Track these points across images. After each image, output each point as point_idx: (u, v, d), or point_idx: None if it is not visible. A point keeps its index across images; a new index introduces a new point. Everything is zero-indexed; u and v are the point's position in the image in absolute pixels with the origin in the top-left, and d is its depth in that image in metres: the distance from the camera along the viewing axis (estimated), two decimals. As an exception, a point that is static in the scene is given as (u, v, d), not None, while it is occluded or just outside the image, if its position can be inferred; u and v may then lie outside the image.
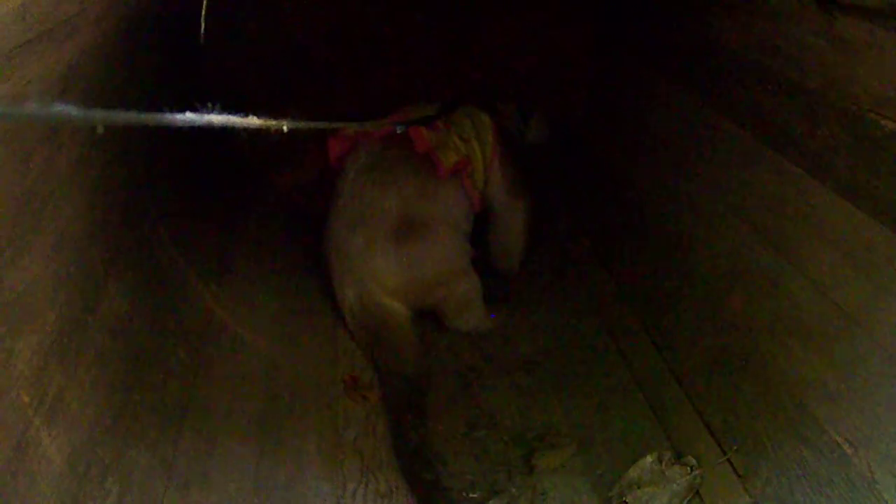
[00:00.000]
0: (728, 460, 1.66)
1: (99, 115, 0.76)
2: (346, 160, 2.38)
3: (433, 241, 2.28)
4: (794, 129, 1.65)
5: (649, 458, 1.75)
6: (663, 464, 1.73)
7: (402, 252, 2.22)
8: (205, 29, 2.82)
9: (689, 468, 1.71)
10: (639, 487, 1.71)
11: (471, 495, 1.79)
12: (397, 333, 2.20)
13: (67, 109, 0.70)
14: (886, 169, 1.35)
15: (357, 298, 2.20)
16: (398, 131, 2.31)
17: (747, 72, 1.85)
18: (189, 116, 0.89)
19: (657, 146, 2.40)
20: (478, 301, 2.37)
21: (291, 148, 2.96)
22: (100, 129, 0.77)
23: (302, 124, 1.34)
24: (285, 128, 1.24)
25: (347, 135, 2.40)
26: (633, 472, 1.74)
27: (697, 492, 1.69)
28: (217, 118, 0.94)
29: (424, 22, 3.00)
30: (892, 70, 1.32)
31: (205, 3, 2.76)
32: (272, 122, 1.14)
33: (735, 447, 1.66)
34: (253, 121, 1.07)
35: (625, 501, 1.70)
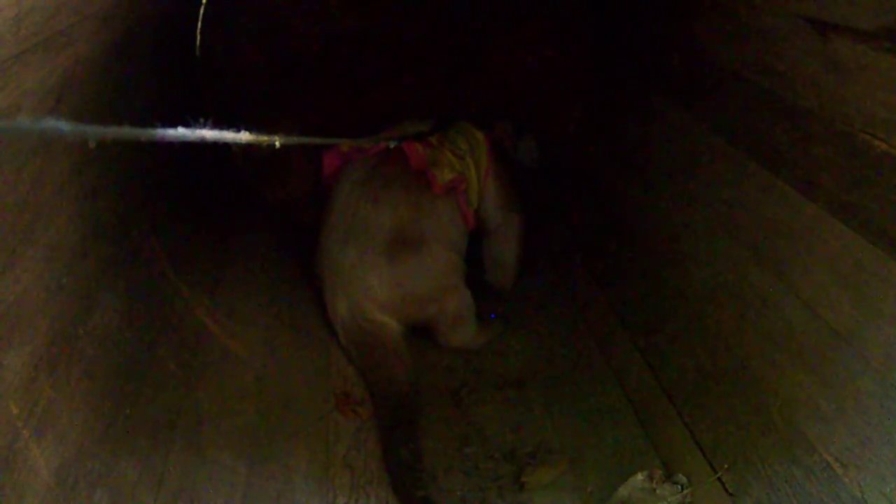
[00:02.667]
0: (719, 479, 1.66)
1: (91, 131, 0.76)
2: (339, 175, 2.38)
3: (426, 257, 2.28)
4: (786, 149, 1.66)
5: (640, 476, 1.74)
6: (654, 482, 1.73)
7: (394, 267, 2.22)
8: (200, 42, 2.82)
9: (679, 486, 1.71)
10: (629, 505, 1.71)
11: (461, 511, 1.79)
12: (389, 349, 2.19)
13: (58, 125, 0.70)
14: (878, 189, 1.36)
15: (349, 313, 2.20)
16: (391, 146, 2.32)
17: (741, 91, 1.85)
18: (181, 131, 0.89)
19: (650, 163, 2.41)
20: (470, 318, 2.37)
21: (284, 161, 2.96)
22: (91, 144, 0.77)
23: (294, 140, 1.34)
24: (277, 143, 1.24)
25: (341, 150, 2.41)
26: (623, 490, 1.73)
27: (688, 510, 1.69)
28: (209, 133, 0.94)
29: (420, 37, 3.00)
30: (884, 91, 1.32)
31: (200, 15, 2.77)
32: (263, 138, 1.14)
33: (726, 465, 1.66)
34: (244, 136, 1.07)
35: (615, 519, 1.70)
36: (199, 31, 2.82)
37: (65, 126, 0.70)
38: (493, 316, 2.45)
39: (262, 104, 2.93)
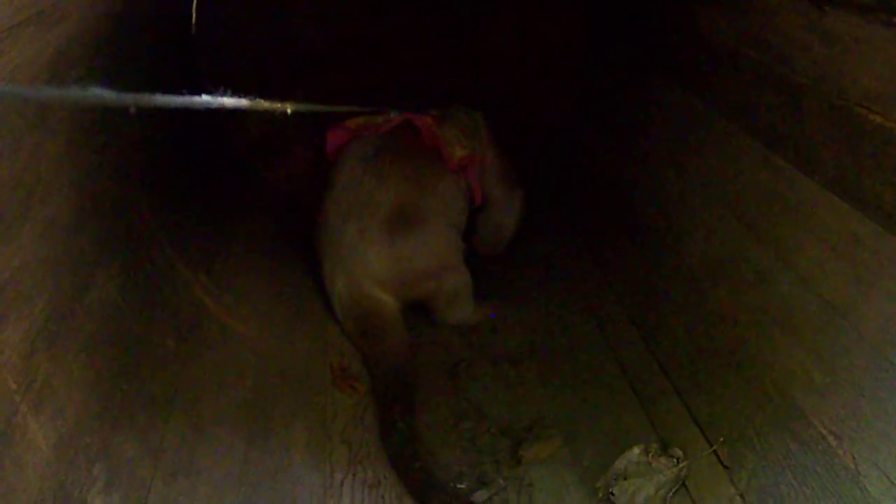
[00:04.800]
0: (714, 452, 1.67)
1: (129, 98, 0.76)
2: (344, 151, 2.38)
3: (427, 234, 2.28)
4: (782, 123, 1.66)
5: (636, 450, 1.75)
6: (650, 455, 1.74)
7: (394, 244, 2.21)
8: (196, 19, 2.81)
9: (675, 460, 1.72)
10: (625, 479, 1.71)
11: (458, 486, 1.79)
12: (386, 325, 2.20)
13: (101, 92, 0.70)
14: (873, 163, 1.36)
15: (347, 289, 2.20)
16: (392, 117, 2.32)
17: (736, 66, 1.85)
18: (191, 99, 0.89)
19: (646, 140, 2.41)
20: (468, 296, 2.37)
21: (281, 140, 2.96)
22: (132, 111, 0.77)
23: (303, 107, 1.34)
24: (289, 109, 1.24)
25: (348, 126, 2.41)
26: (619, 464, 1.74)
27: (683, 483, 1.69)
28: (215, 100, 0.94)
29: (415, 18, 3.00)
30: (880, 65, 1.32)
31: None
32: (277, 105, 1.14)
33: (721, 439, 1.67)
34: (261, 104, 1.07)
35: (611, 493, 1.70)
36: (194, 6, 2.81)
37: (107, 94, 0.71)
38: (492, 315, 2.44)
39: (258, 81, 2.93)
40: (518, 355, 2.24)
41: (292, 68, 2.97)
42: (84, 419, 1.38)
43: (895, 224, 1.31)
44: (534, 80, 3.14)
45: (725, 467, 1.63)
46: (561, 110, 3.14)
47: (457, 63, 3.07)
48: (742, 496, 1.56)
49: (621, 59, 2.75)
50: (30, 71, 1.25)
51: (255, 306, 2.21)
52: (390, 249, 2.21)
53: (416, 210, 2.27)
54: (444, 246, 2.33)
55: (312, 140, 2.76)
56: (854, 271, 1.41)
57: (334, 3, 2.93)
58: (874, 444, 1.29)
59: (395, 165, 2.29)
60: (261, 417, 1.84)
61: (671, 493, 1.68)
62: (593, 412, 1.99)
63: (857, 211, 1.41)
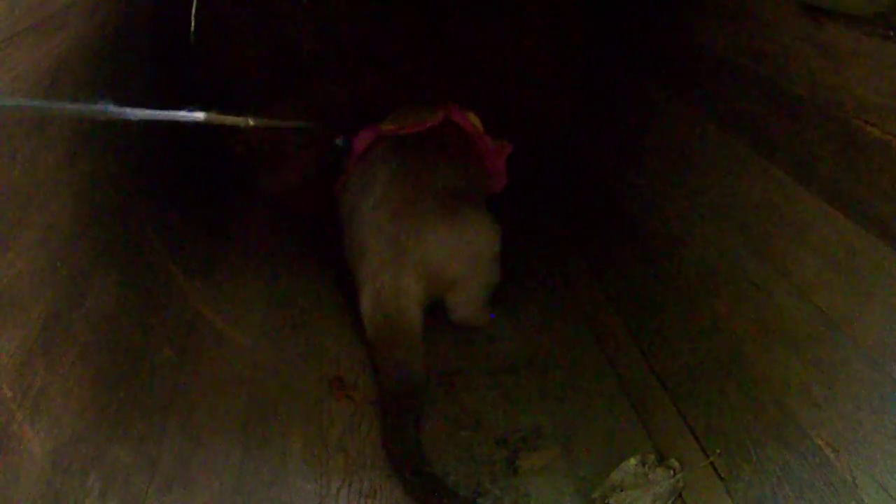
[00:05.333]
0: (711, 463, 1.67)
1: (138, 113, 0.77)
2: (376, 153, 2.38)
3: (481, 222, 2.32)
4: (779, 135, 1.67)
5: (633, 461, 1.75)
6: (646, 466, 1.74)
7: (455, 233, 2.25)
8: (195, 26, 2.82)
9: (672, 471, 1.72)
10: (622, 490, 1.71)
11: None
12: (410, 327, 2.17)
13: (105, 107, 0.70)
14: (870, 175, 1.36)
15: (381, 284, 2.18)
16: (428, 117, 2.43)
17: (734, 77, 1.86)
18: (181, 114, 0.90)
19: (645, 150, 2.41)
20: (489, 294, 2.40)
21: (279, 149, 2.96)
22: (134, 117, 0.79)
23: (263, 123, 1.35)
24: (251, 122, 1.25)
25: (379, 129, 2.43)
26: (616, 475, 1.74)
27: (680, 494, 1.69)
28: (206, 116, 0.95)
29: (413, 26, 3.01)
30: (877, 77, 1.33)
31: (195, 1, 2.77)
32: (292, 123, 1.16)
33: (718, 450, 1.67)
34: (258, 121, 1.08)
35: (608, 503, 1.70)
36: (193, 16, 2.82)
37: (112, 108, 0.72)
38: (492, 316, 2.45)
39: (256, 90, 2.94)
40: (515, 365, 2.24)
41: (290, 77, 2.97)
42: (80, 428, 1.37)
43: (893, 236, 1.31)
44: (532, 88, 3.15)
45: (722, 479, 1.63)
46: (559, 118, 3.15)
47: (455, 70, 3.08)
48: (739, 508, 1.56)
49: (619, 68, 2.76)
50: (30, 79, 1.25)
51: (251, 315, 2.21)
52: (448, 244, 2.24)
53: (467, 200, 2.31)
54: (492, 239, 2.34)
55: (310, 149, 2.78)
56: (852, 283, 1.42)
57: (332, 12, 2.94)
58: (872, 457, 1.29)
59: (439, 159, 2.35)
60: (257, 426, 1.83)
61: (668, 505, 1.68)
62: (590, 423, 1.99)
63: (854, 223, 1.41)
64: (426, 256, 2.20)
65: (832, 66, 1.45)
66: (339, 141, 2.75)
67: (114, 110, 0.85)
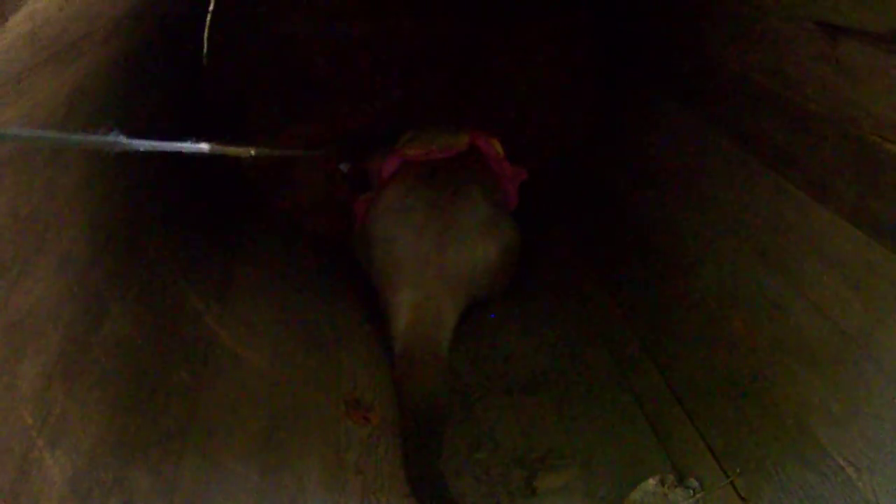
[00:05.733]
0: (731, 483, 1.66)
1: (145, 144, 0.78)
2: (404, 179, 2.42)
3: (513, 240, 2.45)
4: (795, 152, 1.66)
5: (651, 481, 1.74)
6: (666, 486, 1.73)
7: (495, 255, 2.38)
8: (207, 49, 2.84)
9: (691, 491, 1.71)
10: (641, 510, 1.71)
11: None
12: (444, 350, 2.22)
13: (119, 139, 0.71)
14: (888, 192, 1.36)
15: (414, 302, 2.24)
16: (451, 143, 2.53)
17: (749, 94, 1.86)
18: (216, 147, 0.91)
19: (659, 167, 2.41)
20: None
21: (292, 169, 2.97)
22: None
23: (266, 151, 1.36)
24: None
25: (405, 154, 2.46)
26: (635, 495, 1.73)
27: (700, 514, 1.69)
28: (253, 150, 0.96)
29: (426, 45, 3.01)
30: (894, 93, 1.32)
31: (207, 23, 2.78)
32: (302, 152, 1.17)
33: (738, 470, 1.66)
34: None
35: (627, 524, 1.70)
36: (205, 39, 2.83)
37: (123, 139, 0.73)
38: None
39: (268, 112, 2.95)
40: (532, 384, 2.23)
41: (302, 97, 2.98)
42: (99, 453, 1.37)
43: (911, 253, 1.31)
44: (545, 106, 3.15)
45: (742, 499, 1.62)
46: (572, 136, 3.15)
47: (468, 90, 3.08)
48: (759, 528, 1.56)
49: (633, 85, 2.76)
50: (48, 106, 1.26)
51: (267, 337, 2.20)
52: (496, 254, 2.37)
53: (501, 219, 2.44)
54: (519, 246, 2.48)
55: (323, 169, 2.78)
56: (870, 300, 1.41)
57: (344, 32, 2.95)
58: (895, 476, 1.28)
59: (471, 184, 2.45)
60: (274, 449, 1.83)
61: (688, 525, 1.68)
62: (608, 442, 1.98)
63: (871, 239, 1.41)
64: (471, 280, 2.31)
65: (848, 83, 1.45)
66: (342, 166, 2.77)
67: (121, 142, 0.86)
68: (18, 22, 0.89)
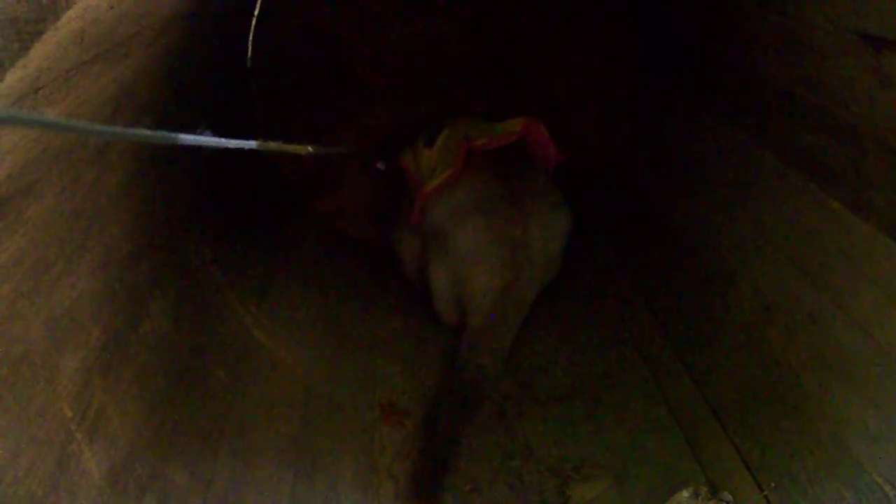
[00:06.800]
0: (765, 497, 1.65)
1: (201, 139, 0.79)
2: (471, 166, 2.48)
3: (570, 222, 2.52)
4: (837, 166, 1.65)
5: (685, 493, 1.73)
6: (699, 499, 1.72)
7: (563, 232, 2.47)
8: (252, 51, 2.86)
9: (725, 503, 1.70)
10: (674, 522, 1.70)
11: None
12: (513, 332, 2.28)
13: (174, 135, 0.73)
14: (931, 207, 1.34)
15: (500, 283, 2.28)
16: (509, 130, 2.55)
17: (791, 107, 1.84)
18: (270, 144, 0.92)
19: (699, 179, 2.40)
20: None
21: (334, 173, 2.99)
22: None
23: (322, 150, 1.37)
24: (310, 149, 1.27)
25: (474, 145, 2.49)
26: (668, 506, 1.73)
27: (733, 528, 1.68)
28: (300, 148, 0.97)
29: (466, 50, 3.02)
30: (938, 108, 1.31)
31: (252, 25, 2.81)
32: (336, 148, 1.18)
33: (772, 484, 1.65)
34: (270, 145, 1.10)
35: (660, 535, 1.69)
36: (250, 40, 2.86)
37: (166, 134, 0.75)
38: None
39: (312, 114, 2.97)
40: (566, 394, 2.23)
41: (345, 102, 3.00)
42: (136, 448, 1.39)
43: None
44: (586, 116, 3.14)
45: (777, 513, 1.61)
46: (611, 146, 3.14)
47: (507, 98, 3.09)
48: (794, 543, 1.54)
49: (674, 97, 2.75)
50: (95, 104, 1.28)
51: (304, 339, 2.22)
52: (556, 231, 2.45)
53: (559, 197, 2.53)
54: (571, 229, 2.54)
55: (365, 173, 2.80)
56: (911, 317, 1.40)
57: (386, 40, 2.97)
58: (931, 494, 1.27)
59: (532, 165, 2.55)
60: (309, 451, 1.84)
61: (721, 538, 1.67)
62: (642, 453, 1.97)
63: (914, 256, 1.40)
64: (547, 262, 2.40)
65: (892, 97, 1.43)
66: (380, 165, 2.78)
67: (169, 136, 0.87)
68: (70, 19, 0.90)
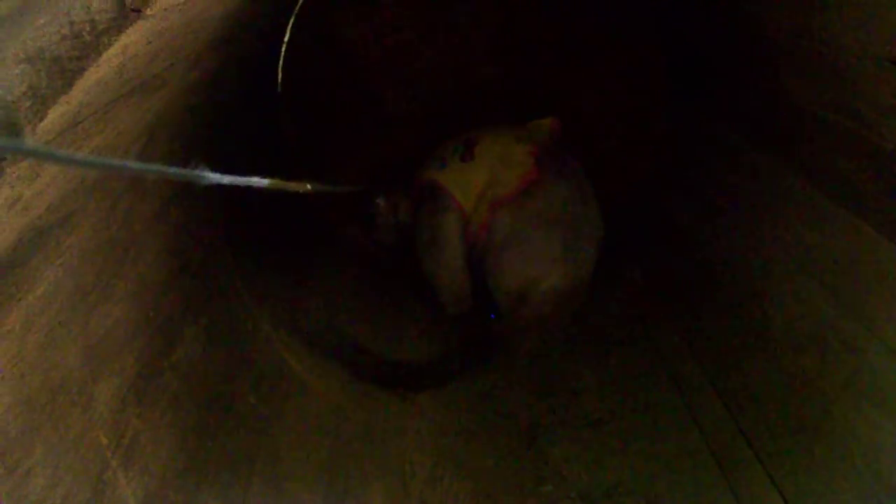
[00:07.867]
0: (799, 525, 1.64)
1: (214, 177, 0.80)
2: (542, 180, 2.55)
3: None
4: (869, 190, 1.64)
5: (718, 520, 1.72)
6: (732, 526, 1.71)
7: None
8: (282, 79, 2.89)
9: (758, 532, 1.69)
10: (707, 550, 1.69)
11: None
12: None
13: (202, 173, 0.74)
14: (966, 233, 1.34)
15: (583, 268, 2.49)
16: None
17: (822, 132, 1.84)
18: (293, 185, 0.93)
19: (728, 203, 2.39)
20: None
21: (364, 198, 3.00)
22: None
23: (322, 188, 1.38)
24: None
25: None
26: (701, 534, 1.72)
27: (767, 557, 1.66)
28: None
29: (493, 74, 3.03)
30: (972, 134, 1.31)
31: (282, 54, 2.84)
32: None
33: (807, 512, 1.64)
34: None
35: (692, 563, 1.68)
36: (280, 69, 2.88)
37: (208, 173, 0.77)
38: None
39: (342, 141, 2.99)
40: (597, 419, 2.22)
41: (374, 129, 3.02)
42: (170, 476, 1.40)
43: None
44: (613, 138, 3.14)
45: (811, 541, 1.60)
46: (640, 169, 3.14)
47: (534, 113, 3.09)
48: (829, 572, 1.53)
49: (703, 120, 2.74)
50: (132, 135, 1.29)
51: (335, 365, 2.22)
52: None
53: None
54: None
55: (395, 198, 2.81)
56: (946, 343, 1.39)
57: (415, 66, 2.98)
58: (970, 524, 1.26)
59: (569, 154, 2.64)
60: (339, 476, 1.84)
61: (755, 567, 1.65)
62: (674, 479, 1.96)
63: (948, 282, 1.39)
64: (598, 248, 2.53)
65: (924, 122, 1.43)
66: (379, 200, 2.79)
67: (188, 174, 0.89)
68: (111, 56, 0.92)
